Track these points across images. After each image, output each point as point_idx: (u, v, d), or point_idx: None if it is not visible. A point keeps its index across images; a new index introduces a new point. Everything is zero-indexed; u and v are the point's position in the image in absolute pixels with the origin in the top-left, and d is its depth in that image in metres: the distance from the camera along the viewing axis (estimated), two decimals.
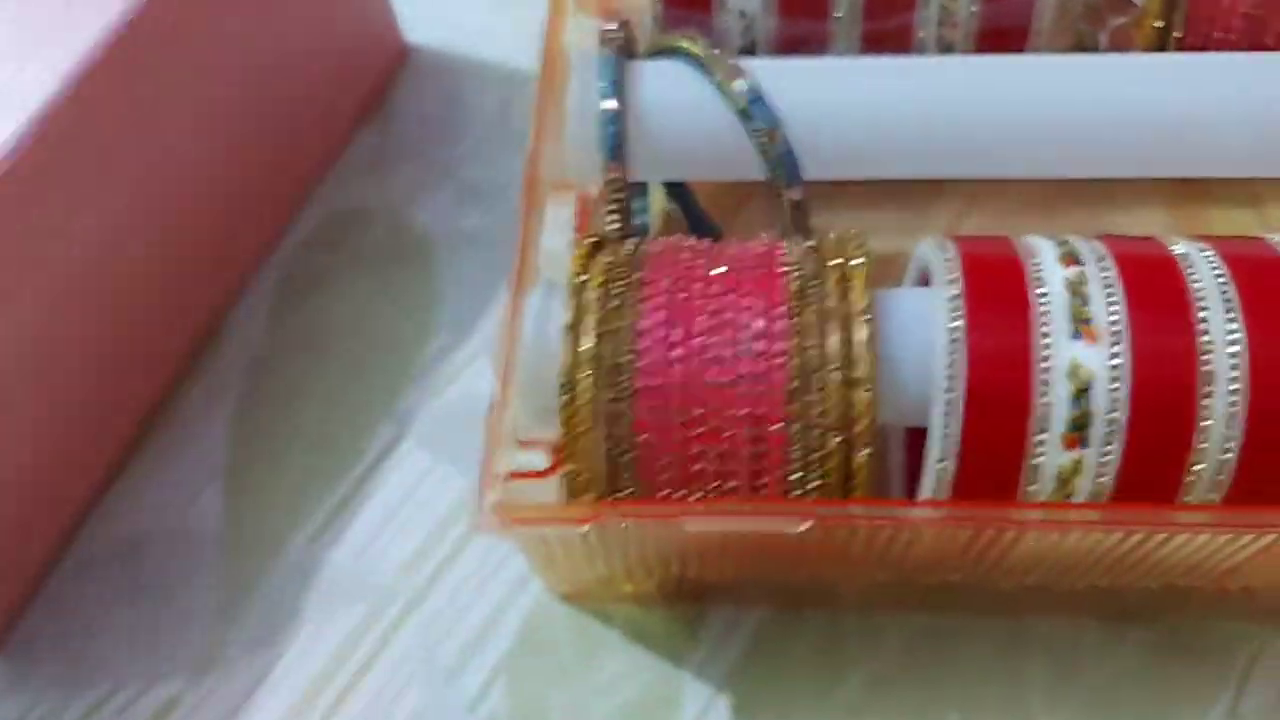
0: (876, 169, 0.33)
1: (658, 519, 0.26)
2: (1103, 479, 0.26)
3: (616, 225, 0.31)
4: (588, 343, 0.27)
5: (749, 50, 0.35)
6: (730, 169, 0.32)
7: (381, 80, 0.45)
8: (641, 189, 0.39)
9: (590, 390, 0.26)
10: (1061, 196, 0.38)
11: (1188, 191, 0.39)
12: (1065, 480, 0.26)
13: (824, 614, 0.34)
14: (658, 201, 0.39)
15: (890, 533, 0.27)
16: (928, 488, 0.27)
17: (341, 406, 0.39)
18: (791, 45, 0.34)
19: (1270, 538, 0.26)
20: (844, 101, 0.31)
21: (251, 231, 0.42)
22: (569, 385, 0.27)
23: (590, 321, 0.27)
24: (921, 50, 0.34)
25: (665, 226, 0.40)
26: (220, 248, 0.40)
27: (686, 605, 0.34)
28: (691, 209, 0.38)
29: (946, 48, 0.34)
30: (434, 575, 0.35)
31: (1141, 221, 0.39)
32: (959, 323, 0.26)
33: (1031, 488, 0.26)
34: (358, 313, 0.40)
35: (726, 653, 0.33)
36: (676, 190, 0.38)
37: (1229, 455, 0.25)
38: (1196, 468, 0.26)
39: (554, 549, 0.29)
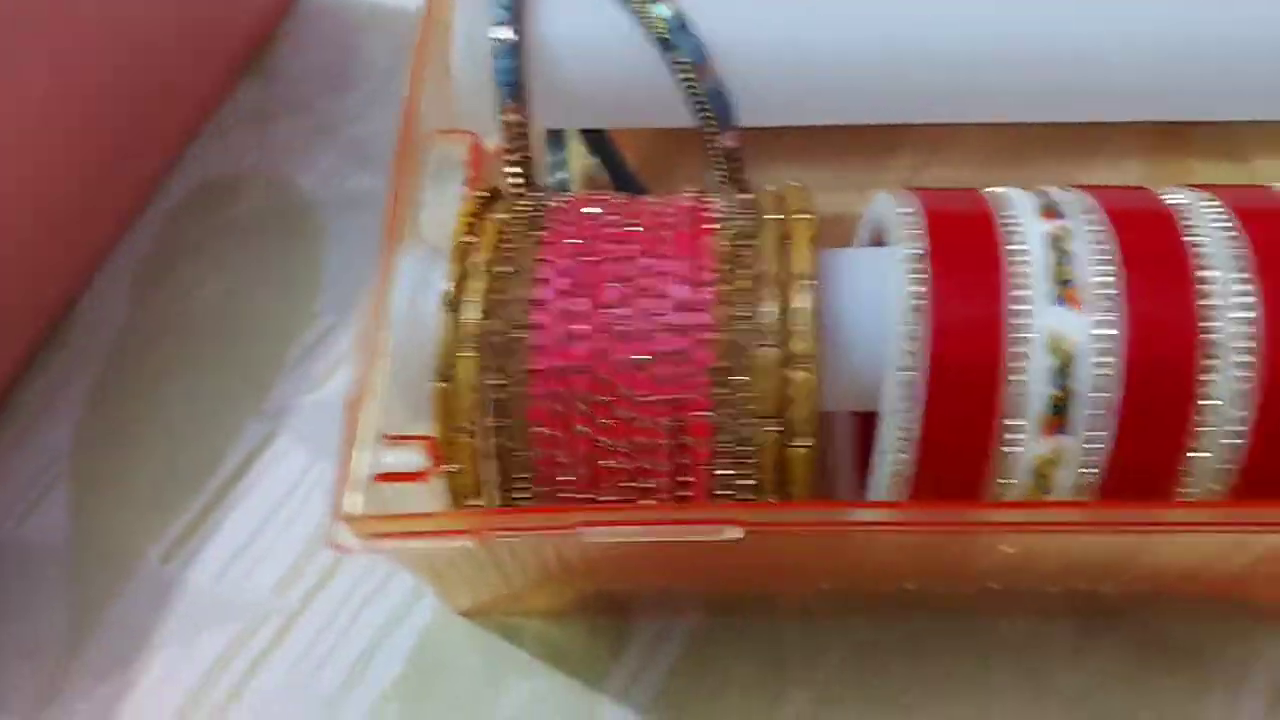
0: (823, 113, 0.28)
1: (549, 530, 0.21)
2: (1087, 471, 0.22)
3: (518, 179, 0.26)
4: (471, 316, 0.22)
5: None
6: (653, 114, 0.27)
7: (264, 27, 0.40)
8: (557, 140, 0.35)
9: (473, 374, 0.22)
10: (1031, 146, 0.34)
11: (1167, 141, 0.35)
12: (1043, 473, 0.22)
13: (763, 624, 0.29)
14: (577, 155, 0.35)
15: (834, 540, 0.23)
16: (880, 485, 0.22)
17: (207, 399, 0.33)
18: None
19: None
20: (785, 32, 0.27)
21: (112, 197, 0.36)
22: (447, 368, 0.22)
23: (475, 291, 0.22)
24: None
25: (588, 186, 0.35)
26: (76, 217, 0.35)
27: (607, 618, 0.30)
28: (614, 163, 0.33)
29: None
30: (312, 591, 0.30)
31: (1118, 173, 0.35)
32: (920, 288, 0.22)
33: (1003, 482, 0.22)
34: (230, 291, 0.35)
35: (653, 670, 0.29)
36: (596, 140, 0.33)
37: (1237, 441, 0.21)
38: (1198, 455, 0.22)
39: (439, 564, 0.24)
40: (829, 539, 0.23)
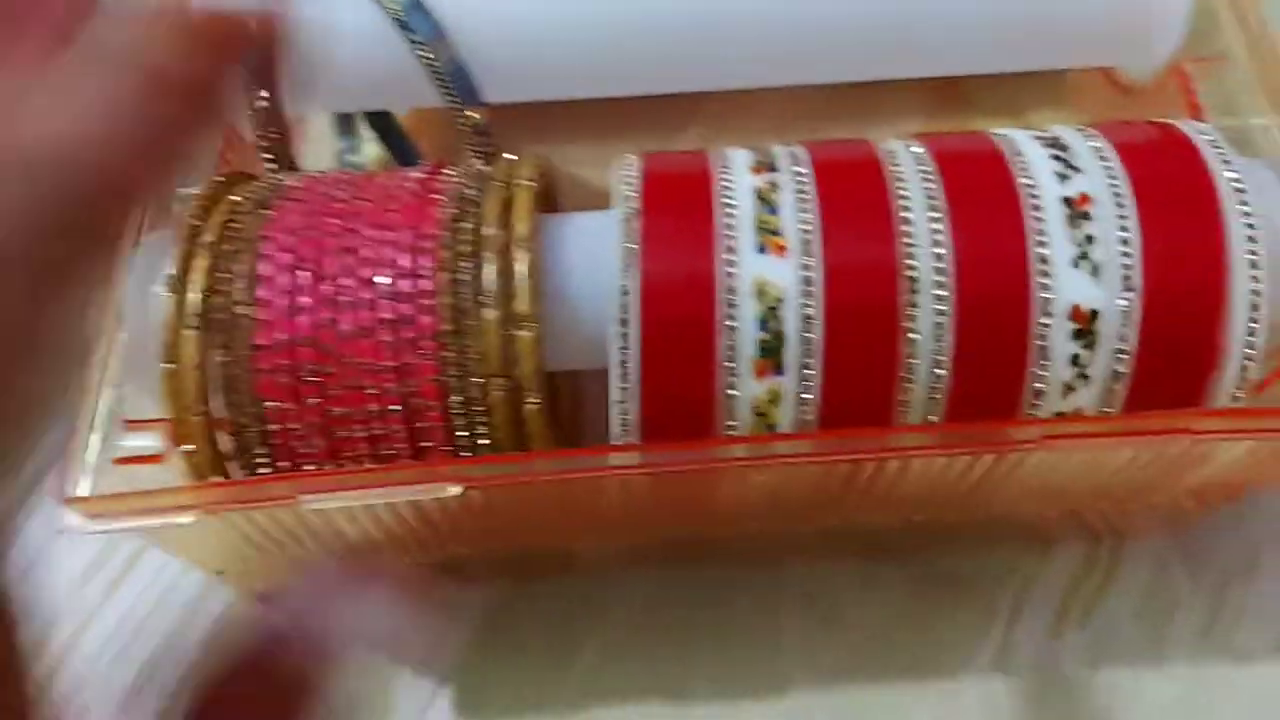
0: (578, 85, 0.29)
1: (271, 501, 0.21)
2: (805, 408, 0.23)
3: (272, 164, 0.27)
4: (194, 295, 0.22)
5: None
6: (405, 95, 0.28)
7: None
8: (347, 125, 0.35)
9: (196, 352, 0.22)
10: (817, 113, 0.34)
11: (948, 101, 0.36)
12: (762, 412, 0.23)
13: (556, 585, 0.30)
14: (368, 141, 0.35)
15: (576, 492, 0.23)
16: (614, 433, 0.23)
17: None
18: None
19: (990, 458, 0.23)
20: (526, 6, 0.27)
21: None
22: (172, 349, 0.22)
23: (199, 269, 0.22)
24: None
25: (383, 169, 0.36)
26: None
27: None
28: (398, 145, 0.33)
29: None
30: (110, 587, 0.30)
31: (900, 133, 0.36)
32: (632, 245, 0.23)
33: (729, 424, 0.23)
34: None
35: (450, 641, 0.29)
36: (379, 122, 0.33)
37: (941, 371, 0.22)
38: (908, 386, 0.23)
39: (197, 544, 0.25)
40: (569, 491, 0.23)
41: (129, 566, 0.30)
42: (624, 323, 0.22)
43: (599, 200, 0.25)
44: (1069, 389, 0.22)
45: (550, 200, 0.28)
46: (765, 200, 0.23)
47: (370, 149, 0.35)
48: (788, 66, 0.30)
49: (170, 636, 0.29)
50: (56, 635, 0.30)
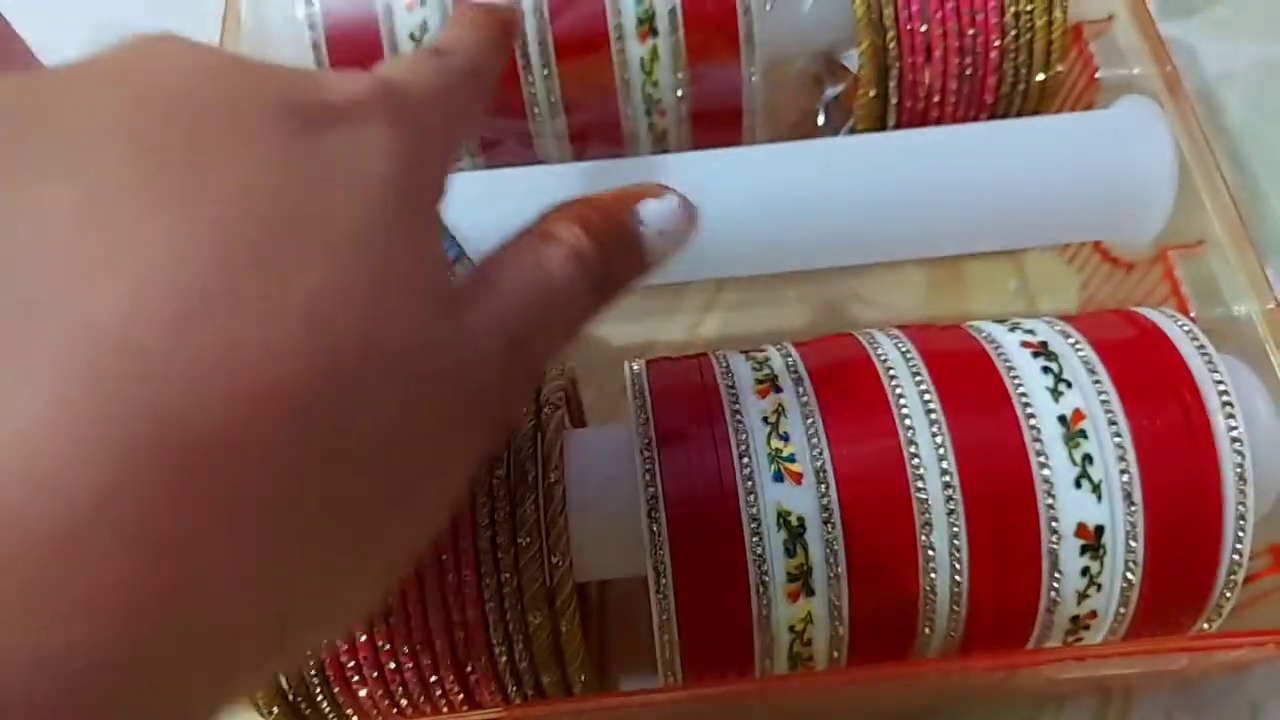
0: None
1: None
2: (838, 624, 0.24)
3: None
4: None
5: None
6: None
7: None
8: None
9: None
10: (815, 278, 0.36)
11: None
12: (799, 631, 0.24)
13: None
14: None
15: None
16: (659, 657, 0.24)
17: None
18: (492, 146, 0.32)
19: (1001, 674, 0.24)
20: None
21: None
22: None
23: None
24: (635, 142, 0.32)
25: None
26: None
27: None
28: None
29: (660, 136, 0.32)
30: None
31: (899, 281, 0.37)
32: (654, 484, 0.24)
33: (767, 640, 0.24)
34: None
35: None
36: None
37: (960, 579, 0.24)
38: (931, 597, 0.24)
39: None
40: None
41: None
42: (656, 547, 0.24)
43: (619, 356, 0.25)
44: (1083, 596, 0.24)
45: (570, 399, 0.29)
46: (774, 426, 0.24)
47: None
48: (783, 257, 0.31)
49: None
50: None
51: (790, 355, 0.26)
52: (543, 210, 0.19)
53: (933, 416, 0.24)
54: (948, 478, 0.23)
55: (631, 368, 0.26)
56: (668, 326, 0.37)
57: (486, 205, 0.29)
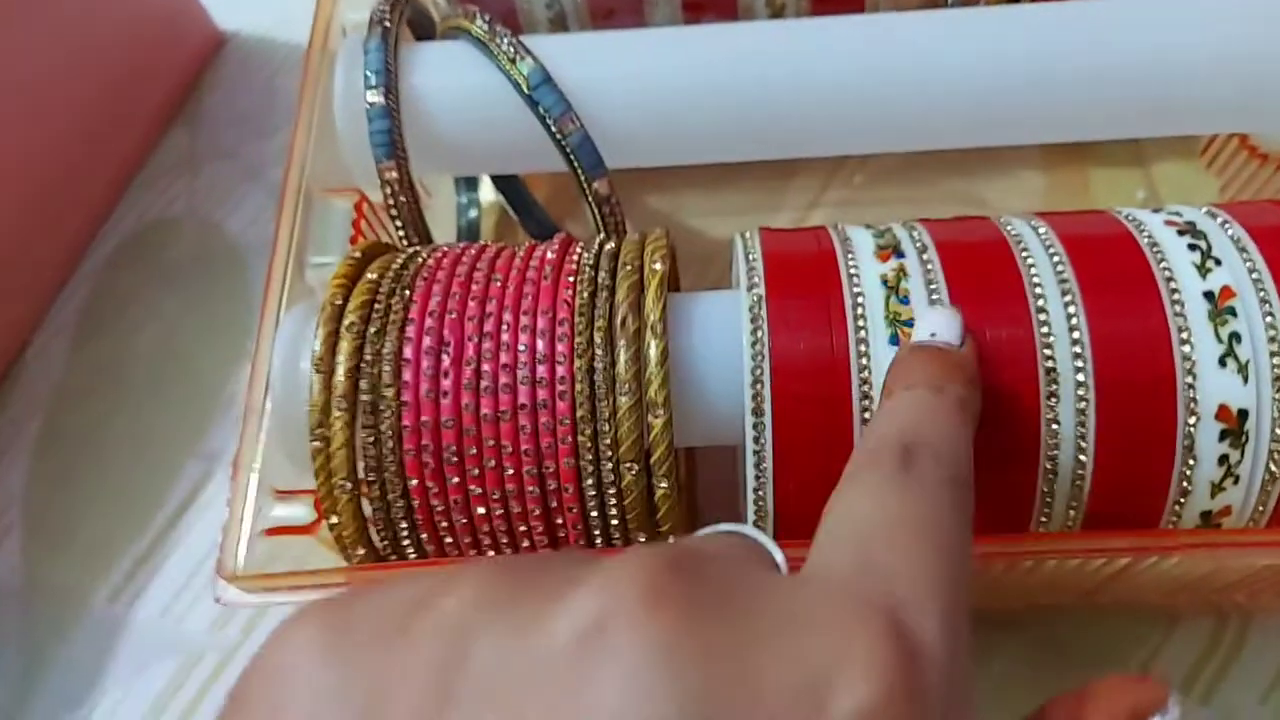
0: (700, 153, 0.29)
1: None
2: None
3: (401, 234, 0.27)
4: (341, 374, 0.23)
5: (559, 24, 0.31)
6: (528, 160, 0.28)
7: (191, 72, 0.41)
8: (469, 180, 0.36)
9: (344, 432, 0.23)
10: (928, 164, 0.34)
11: (1065, 152, 0.35)
12: None
13: None
14: (485, 195, 0.36)
15: None
16: (748, 519, 0.23)
17: (148, 442, 0.35)
18: (604, 16, 0.31)
19: (1125, 560, 0.22)
20: (655, 78, 0.28)
21: (49, 251, 0.38)
22: (320, 427, 0.23)
23: (345, 349, 0.23)
24: (750, 14, 0.31)
25: (499, 223, 0.36)
26: (16, 271, 0.36)
27: None
28: (522, 204, 0.34)
29: (778, 10, 0.31)
30: (249, 624, 0.32)
31: (1018, 187, 0.35)
32: (760, 332, 0.23)
33: None
34: (165, 335, 0.37)
35: None
36: (503, 181, 0.34)
37: (1084, 458, 0.22)
38: (1051, 477, 0.22)
39: None
40: None
41: (263, 609, 0.32)
42: (757, 411, 0.22)
43: (716, 250, 0.24)
44: (1218, 488, 0.22)
45: (673, 272, 0.28)
46: (894, 289, 0.23)
47: (486, 202, 0.36)
48: (912, 135, 0.30)
49: None
50: (198, 671, 0.31)
51: (915, 228, 0.24)
52: None
53: (1065, 286, 0.22)
54: (1078, 348, 0.22)
55: (743, 234, 0.25)
56: (772, 222, 0.36)
57: (594, 64, 0.28)
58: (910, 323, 0.22)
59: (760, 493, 0.23)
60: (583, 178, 0.26)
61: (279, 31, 0.42)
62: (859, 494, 0.17)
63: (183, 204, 0.39)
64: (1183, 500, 0.22)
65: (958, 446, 0.19)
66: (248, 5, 0.42)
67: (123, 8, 0.37)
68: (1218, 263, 0.22)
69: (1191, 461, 0.22)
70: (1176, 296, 0.22)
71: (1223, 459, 0.22)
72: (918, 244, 0.24)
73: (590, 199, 0.27)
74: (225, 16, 0.42)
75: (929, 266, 0.23)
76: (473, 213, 0.35)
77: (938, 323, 0.21)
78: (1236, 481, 0.22)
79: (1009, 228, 0.24)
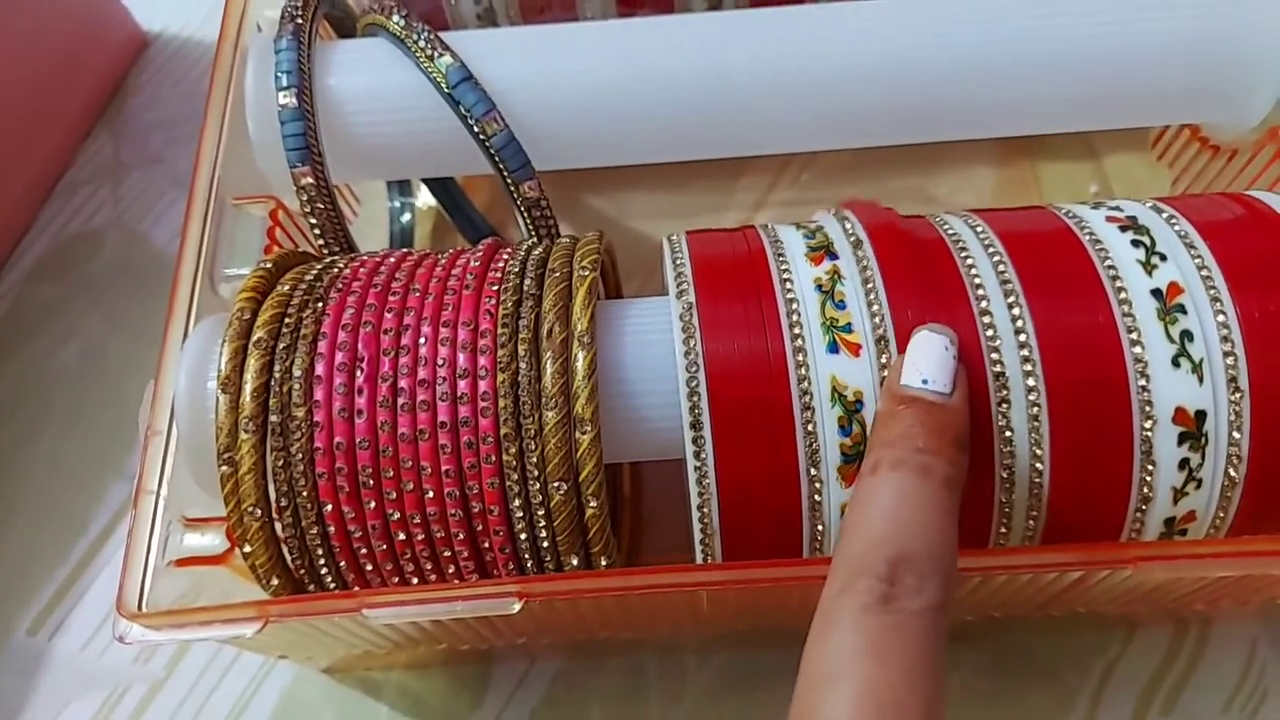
0: (635, 153, 0.28)
1: (333, 614, 0.21)
2: None
3: (321, 243, 0.26)
4: (248, 394, 0.22)
5: (488, 21, 0.30)
6: (454, 163, 0.27)
7: (113, 74, 0.39)
8: (402, 184, 0.34)
9: (252, 455, 0.21)
10: (877, 160, 0.33)
11: (1016, 147, 0.35)
12: None
13: (624, 660, 0.29)
14: (426, 200, 0.34)
15: (638, 598, 0.22)
16: (695, 536, 0.22)
17: (69, 465, 0.33)
18: (536, 12, 0.29)
19: (1079, 574, 0.21)
20: (585, 74, 0.26)
21: None
22: (228, 450, 0.22)
23: (253, 367, 0.22)
24: (686, 6, 0.29)
25: (435, 229, 0.35)
26: None
27: (470, 667, 0.30)
28: (457, 208, 0.33)
29: (716, 2, 0.29)
30: (177, 656, 0.30)
31: (968, 182, 0.35)
32: (694, 341, 0.21)
33: (819, 528, 0.22)
34: (87, 351, 0.35)
35: (516, 713, 0.29)
36: (437, 185, 0.33)
37: (1040, 466, 0.21)
38: (1007, 487, 0.21)
39: (259, 643, 0.24)
40: (633, 601, 0.22)
41: (187, 646, 0.30)
42: (695, 425, 0.21)
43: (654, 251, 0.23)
44: (1180, 494, 0.21)
45: (607, 275, 0.27)
46: (829, 293, 0.22)
47: (425, 207, 0.34)
48: (858, 130, 0.29)
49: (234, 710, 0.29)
50: (122, 705, 0.30)
51: (849, 219, 0.23)
52: None
53: (1008, 286, 0.21)
54: (1026, 350, 0.21)
55: (670, 238, 0.24)
56: (719, 222, 0.35)
57: (520, 59, 0.26)
58: (848, 328, 0.21)
59: (705, 510, 0.22)
60: (509, 180, 0.25)
61: (205, 32, 0.40)
62: (840, 636, 0.18)
63: (106, 213, 0.37)
64: (1144, 507, 0.21)
65: (943, 551, 0.18)
66: (172, 4, 0.40)
67: (39, 7, 0.35)
68: (1163, 258, 0.22)
69: (1151, 466, 0.21)
70: (1123, 295, 0.21)
71: (1183, 463, 0.21)
72: (851, 238, 0.22)
73: (519, 203, 0.26)
74: (148, 16, 0.40)
75: (864, 266, 0.22)
76: (405, 218, 0.34)
77: (930, 366, 0.20)
78: (1199, 486, 0.21)
79: (945, 227, 0.23)
